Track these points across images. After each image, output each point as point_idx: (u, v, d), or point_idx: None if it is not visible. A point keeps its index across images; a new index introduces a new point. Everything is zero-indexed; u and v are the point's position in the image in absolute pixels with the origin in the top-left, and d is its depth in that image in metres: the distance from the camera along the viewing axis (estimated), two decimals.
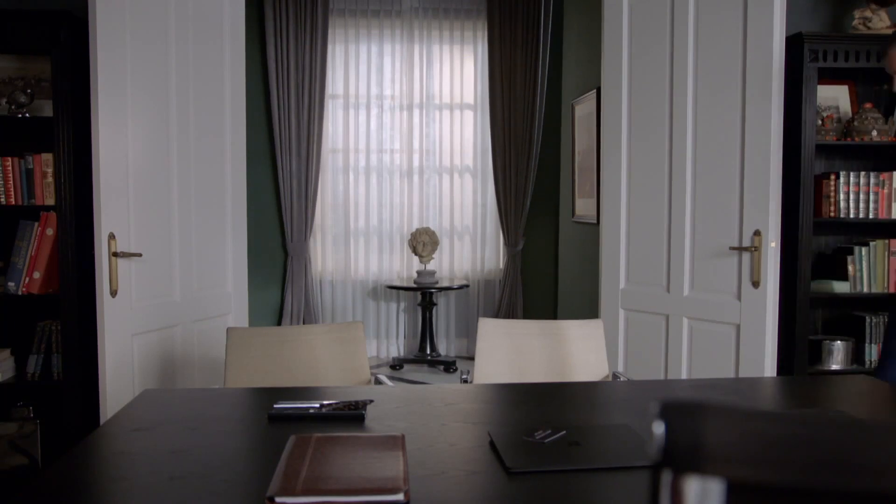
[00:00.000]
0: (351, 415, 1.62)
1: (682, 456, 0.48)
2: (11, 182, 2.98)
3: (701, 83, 3.02)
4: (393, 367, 5.46)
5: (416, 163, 5.77)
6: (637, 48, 3.24)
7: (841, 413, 1.64)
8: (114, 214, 2.75)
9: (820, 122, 3.27)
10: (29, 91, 3.04)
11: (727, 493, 0.47)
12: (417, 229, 5.42)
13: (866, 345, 3.32)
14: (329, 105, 5.65)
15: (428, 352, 5.50)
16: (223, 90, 3.26)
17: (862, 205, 3.25)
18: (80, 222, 2.97)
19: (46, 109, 3.06)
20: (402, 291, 5.73)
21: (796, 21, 3.29)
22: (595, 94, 4.46)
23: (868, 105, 3.29)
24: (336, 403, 1.66)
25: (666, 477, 0.48)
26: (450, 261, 5.87)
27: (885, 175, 3.26)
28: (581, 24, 5.04)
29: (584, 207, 4.82)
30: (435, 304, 5.47)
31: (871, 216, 3.25)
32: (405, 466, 1.27)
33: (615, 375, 2.58)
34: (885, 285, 3.29)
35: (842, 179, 3.25)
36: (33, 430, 2.98)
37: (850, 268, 3.28)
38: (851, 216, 3.26)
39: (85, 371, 2.97)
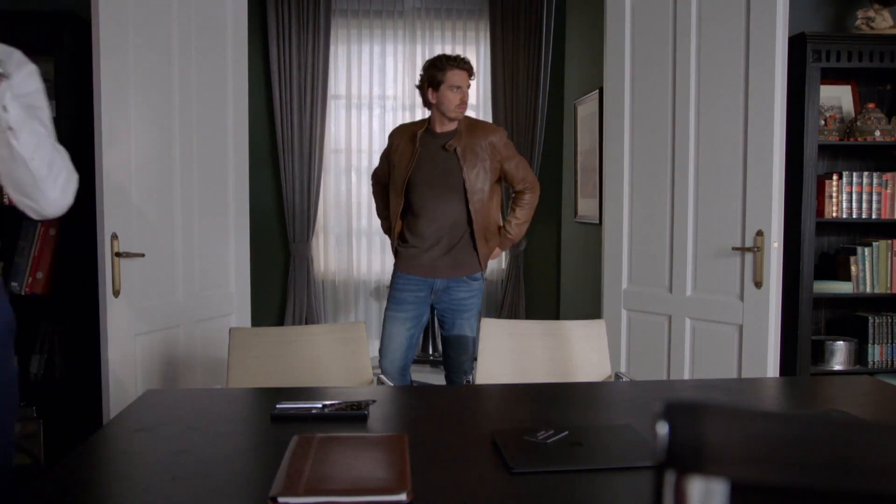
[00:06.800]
0: (353, 415, 1.62)
1: (685, 456, 0.48)
2: None
3: (703, 83, 3.02)
4: None
5: None
6: (639, 48, 3.24)
7: (843, 414, 1.64)
8: (116, 215, 2.75)
9: (822, 122, 3.27)
10: None
11: (730, 493, 0.47)
12: None
13: (869, 345, 3.31)
14: (331, 105, 5.65)
15: (430, 352, 5.50)
16: (226, 90, 3.26)
17: (865, 205, 3.24)
18: (83, 223, 2.97)
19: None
20: None
21: (799, 21, 3.28)
22: (598, 95, 4.45)
23: (871, 105, 3.28)
24: (338, 403, 1.66)
25: (669, 477, 0.48)
26: None
27: (887, 175, 3.25)
28: (583, 25, 5.04)
29: (586, 208, 4.82)
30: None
31: (873, 216, 3.25)
32: (408, 467, 1.27)
33: (617, 376, 2.58)
34: (888, 286, 3.28)
35: (844, 180, 3.24)
36: (36, 429, 2.98)
37: (852, 268, 3.28)
38: (854, 216, 3.25)
39: (87, 371, 2.98)
